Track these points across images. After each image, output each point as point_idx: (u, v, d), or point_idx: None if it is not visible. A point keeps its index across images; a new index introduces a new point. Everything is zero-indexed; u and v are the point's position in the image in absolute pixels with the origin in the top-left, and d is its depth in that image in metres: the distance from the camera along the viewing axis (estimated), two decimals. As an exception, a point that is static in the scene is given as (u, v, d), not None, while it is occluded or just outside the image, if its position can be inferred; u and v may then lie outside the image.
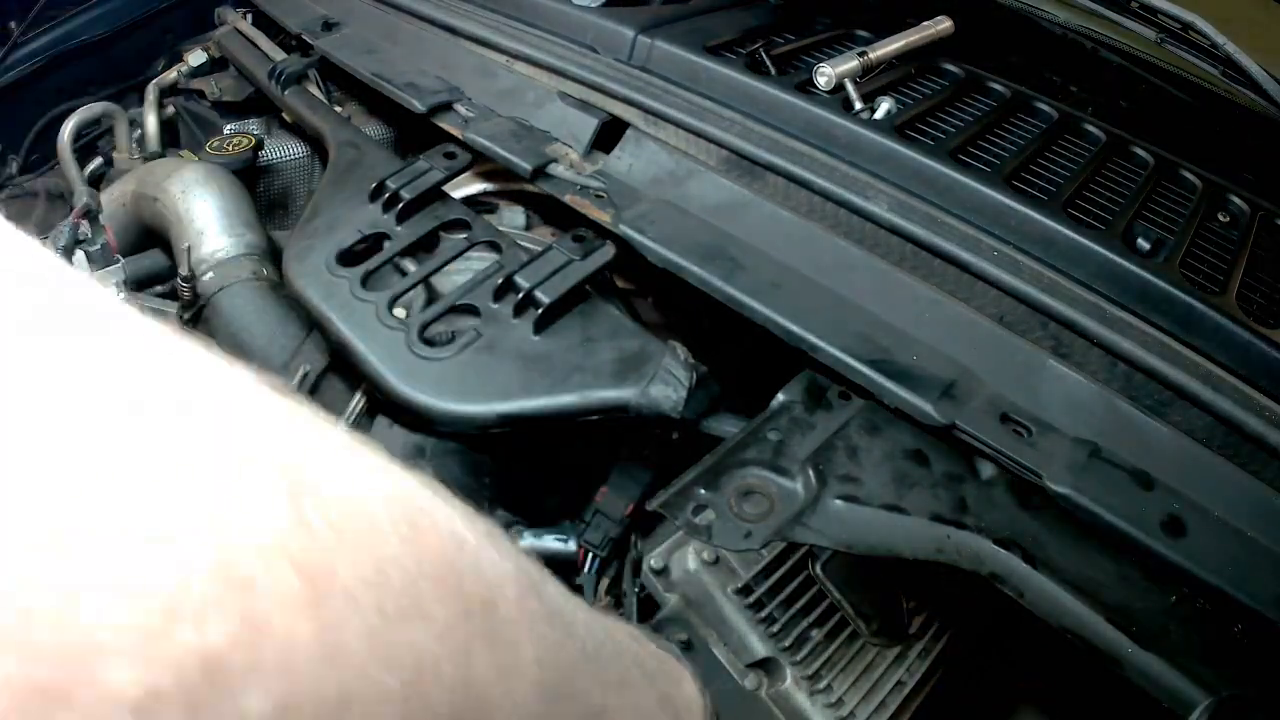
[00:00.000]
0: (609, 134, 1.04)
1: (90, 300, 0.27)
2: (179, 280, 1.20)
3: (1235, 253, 0.97)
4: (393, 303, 0.90)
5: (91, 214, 1.06)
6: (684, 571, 0.83)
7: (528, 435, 0.90)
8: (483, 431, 0.83)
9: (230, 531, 0.24)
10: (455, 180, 1.07)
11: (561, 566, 0.87)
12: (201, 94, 1.47)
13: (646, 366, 0.84)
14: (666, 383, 0.83)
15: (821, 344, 0.82)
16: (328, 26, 1.33)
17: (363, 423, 1.02)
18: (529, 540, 0.89)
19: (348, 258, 0.95)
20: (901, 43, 1.14)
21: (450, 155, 1.05)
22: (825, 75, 1.03)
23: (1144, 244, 0.90)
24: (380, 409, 0.98)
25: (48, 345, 0.25)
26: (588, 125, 1.04)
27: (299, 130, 1.37)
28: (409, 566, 0.29)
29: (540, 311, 0.88)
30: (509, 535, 0.86)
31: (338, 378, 1.15)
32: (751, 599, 0.81)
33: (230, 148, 1.29)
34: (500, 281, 0.90)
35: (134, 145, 1.51)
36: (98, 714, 0.21)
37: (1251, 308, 0.89)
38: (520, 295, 0.88)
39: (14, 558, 0.21)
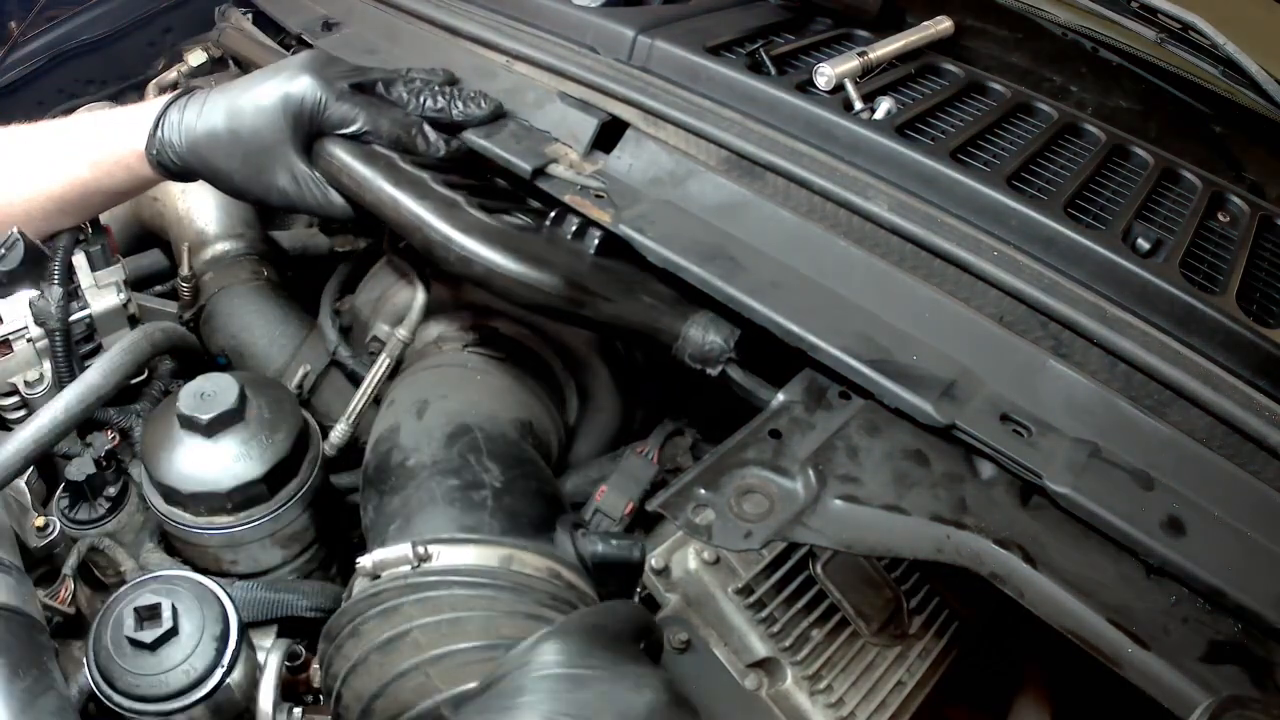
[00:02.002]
0: (609, 134, 1.04)
1: None
2: (179, 280, 1.20)
3: (1235, 253, 0.97)
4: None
5: (91, 214, 1.06)
6: (684, 571, 0.83)
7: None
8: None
9: None
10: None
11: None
12: (201, 94, 1.46)
13: (691, 313, 0.90)
14: (717, 331, 0.88)
15: (821, 344, 0.82)
16: (328, 26, 1.33)
17: (362, 421, 1.02)
18: (529, 540, 0.89)
19: None
20: (901, 43, 1.14)
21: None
22: (825, 75, 1.03)
23: (1144, 244, 0.90)
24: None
25: None
26: (588, 125, 1.04)
27: (299, 130, 1.37)
28: None
29: (600, 239, 0.93)
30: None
31: (338, 376, 1.15)
32: (752, 599, 0.81)
33: (230, 148, 1.28)
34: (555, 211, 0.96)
35: (134, 145, 1.51)
36: None
37: (1251, 308, 0.89)
38: (578, 222, 0.94)
39: None
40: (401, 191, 0.89)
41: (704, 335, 0.88)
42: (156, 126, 0.94)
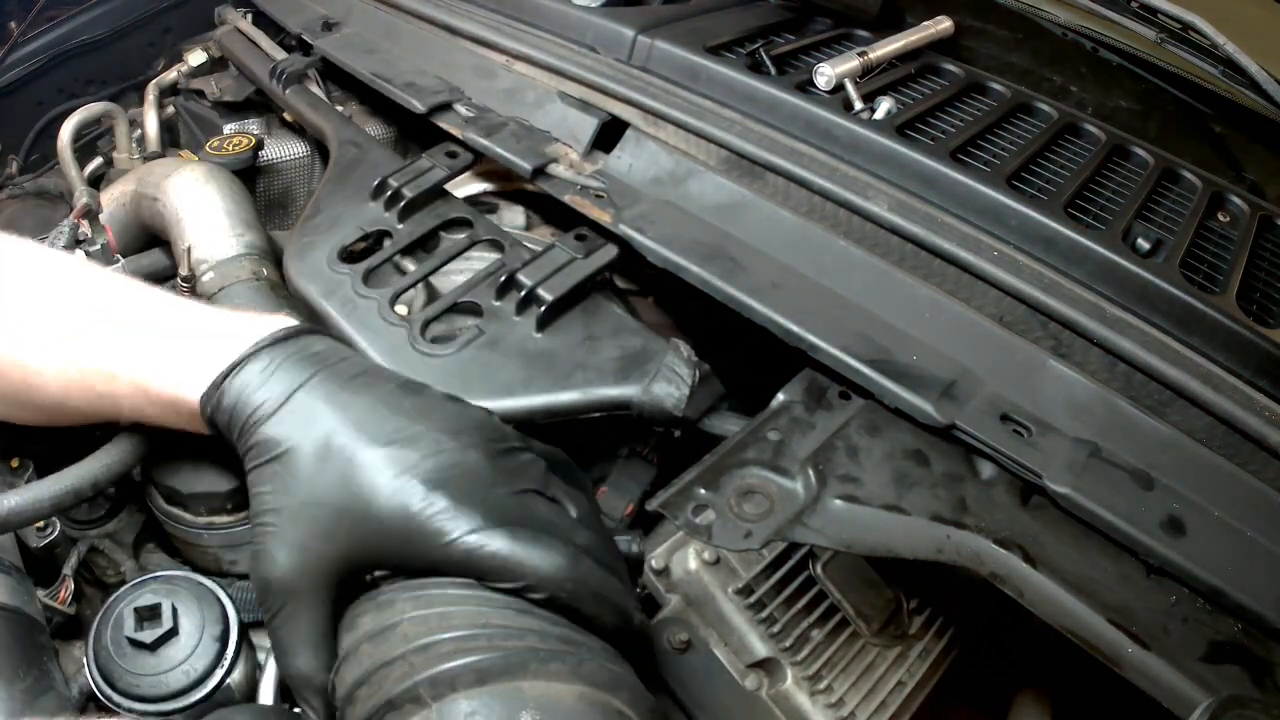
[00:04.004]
0: (609, 134, 1.04)
1: None
2: (179, 280, 1.20)
3: (1235, 253, 0.97)
4: (394, 299, 0.90)
5: (91, 214, 1.06)
6: (685, 571, 0.83)
7: (530, 433, 0.89)
8: None
9: None
10: (455, 180, 1.07)
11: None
12: (201, 94, 1.47)
13: (649, 364, 0.84)
14: (669, 380, 0.83)
15: (821, 344, 0.82)
16: (328, 26, 1.33)
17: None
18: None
19: (349, 255, 0.95)
20: (901, 43, 1.14)
21: (452, 154, 1.05)
22: (825, 75, 1.03)
23: (1144, 244, 0.90)
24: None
25: None
26: (588, 125, 1.04)
27: (299, 130, 1.37)
28: None
29: (543, 309, 0.88)
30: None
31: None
32: (752, 599, 0.81)
33: (230, 148, 1.29)
34: (503, 279, 0.90)
35: (134, 145, 1.51)
36: None
37: (1251, 308, 0.89)
38: (523, 293, 0.88)
39: None
40: (352, 327, 0.88)
41: (656, 395, 0.83)
42: (217, 389, 0.66)
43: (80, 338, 0.70)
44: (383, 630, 0.64)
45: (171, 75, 1.51)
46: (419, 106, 1.11)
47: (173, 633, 0.72)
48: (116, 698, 0.70)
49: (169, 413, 0.69)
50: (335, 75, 1.32)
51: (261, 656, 0.80)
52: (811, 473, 0.73)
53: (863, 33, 1.21)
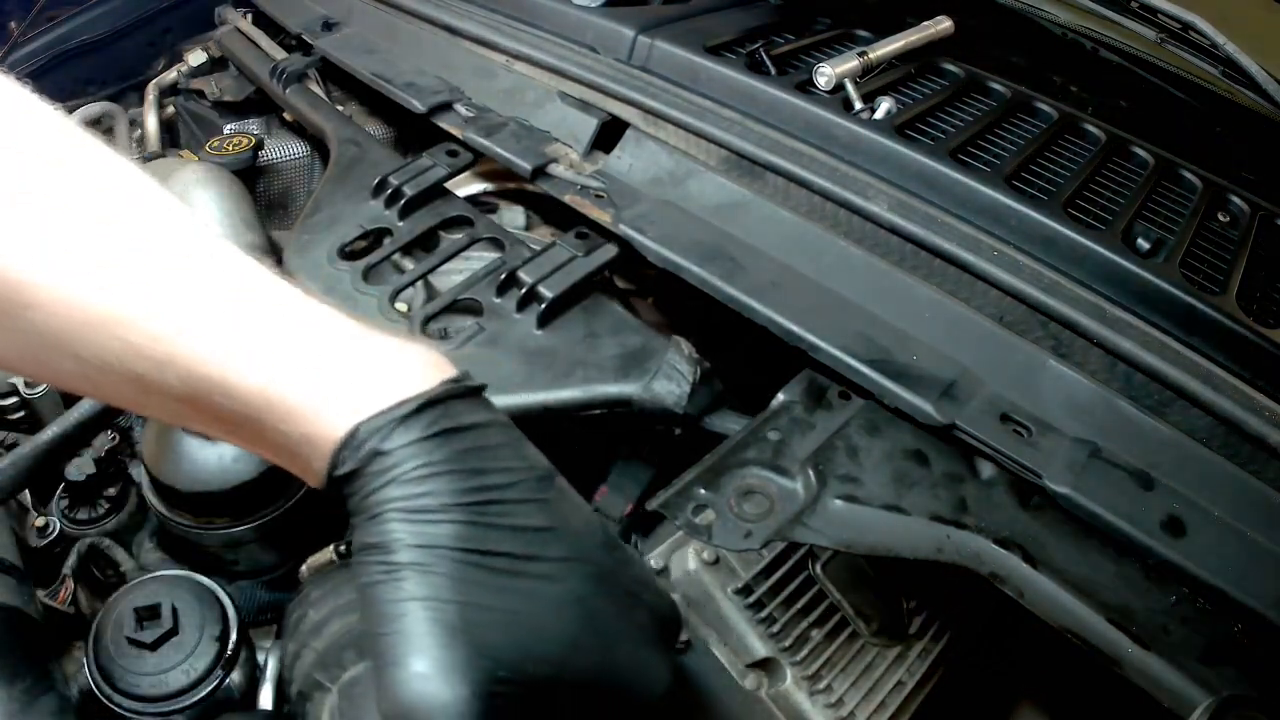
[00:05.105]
0: (609, 134, 1.04)
1: None
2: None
3: (1235, 253, 0.96)
4: (394, 296, 0.90)
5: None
6: (684, 571, 0.83)
7: (529, 431, 0.89)
8: None
9: None
10: (455, 180, 1.07)
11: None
12: (201, 94, 1.47)
13: (650, 362, 0.84)
14: (670, 378, 0.83)
15: (821, 344, 0.82)
16: (328, 26, 1.33)
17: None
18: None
19: (349, 253, 0.96)
20: (901, 43, 1.13)
21: (453, 153, 1.05)
22: (825, 75, 1.03)
23: (1144, 244, 0.90)
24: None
25: None
26: (588, 125, 1.04)
27: (299, 129, 1.37)
28: None
29: (544, 306, 0.88)
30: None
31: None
32: (751, 599, 0.81)
33: (230, 148, 1.29)
34: (504, 276, 0.90)
35: (134, 145, 1.51)
36: None
37: (1251, 308, 0.89)
38: (524, 290, 0.89)
39: None
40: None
41: (656, 392, 0.83)
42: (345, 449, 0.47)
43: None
44: (296, 623, 0.66)
45: (171, 75, 1.51)
46: (419, 106, 1.11)
47: (173, 633, 0.72)
48: (116, 697, 0.70)
49: (258, 423, 0.49)
50: (335, 75, 1.32)
51: (261, 657, 0.80)
52: (811, 473, 0.73)
53: (863, 33, 1.21)
